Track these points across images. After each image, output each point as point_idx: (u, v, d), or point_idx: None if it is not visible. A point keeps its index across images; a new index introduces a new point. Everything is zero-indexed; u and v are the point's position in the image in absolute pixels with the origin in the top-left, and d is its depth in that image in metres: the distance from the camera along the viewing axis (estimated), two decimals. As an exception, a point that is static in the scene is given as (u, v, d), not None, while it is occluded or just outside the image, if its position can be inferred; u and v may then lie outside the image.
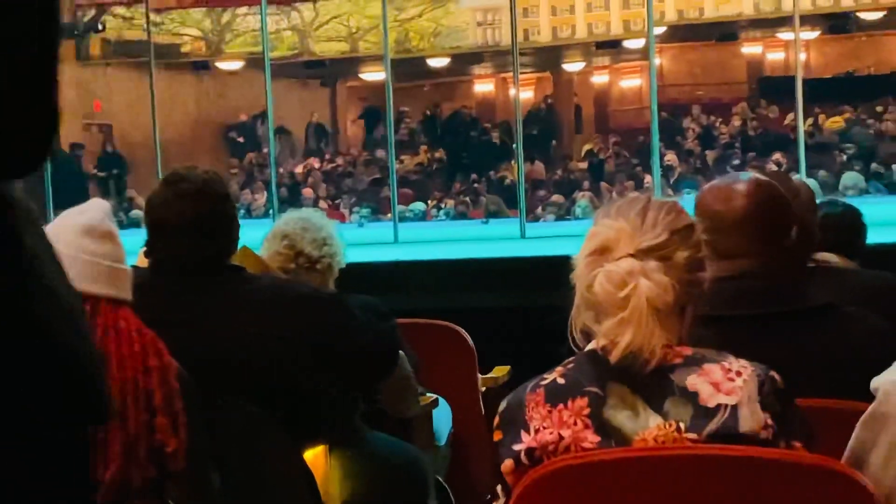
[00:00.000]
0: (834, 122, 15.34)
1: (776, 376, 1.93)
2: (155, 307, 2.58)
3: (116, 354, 2.35)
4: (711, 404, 1.89)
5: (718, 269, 2.31)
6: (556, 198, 14.33)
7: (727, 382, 1.90)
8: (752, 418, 1.87)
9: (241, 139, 16.59)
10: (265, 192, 14.73)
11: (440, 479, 3.79)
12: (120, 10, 15.78)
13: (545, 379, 1.98)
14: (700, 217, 2.40)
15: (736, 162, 14.94)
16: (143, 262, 2.99)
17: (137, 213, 13.76)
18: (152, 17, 13.11)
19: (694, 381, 1.90)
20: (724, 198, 2.49)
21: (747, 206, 2.48)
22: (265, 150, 16.34)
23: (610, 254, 1.94)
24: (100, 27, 15.85)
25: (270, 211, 12.20)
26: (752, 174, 2.58)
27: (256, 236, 3.48)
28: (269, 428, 2.79)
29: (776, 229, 2.50)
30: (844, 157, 14.49)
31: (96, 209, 2.46)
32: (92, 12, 15.82)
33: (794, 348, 2.32)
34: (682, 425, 1.89)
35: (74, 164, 14.81)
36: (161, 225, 2.88)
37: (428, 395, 3.67)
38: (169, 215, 2.86)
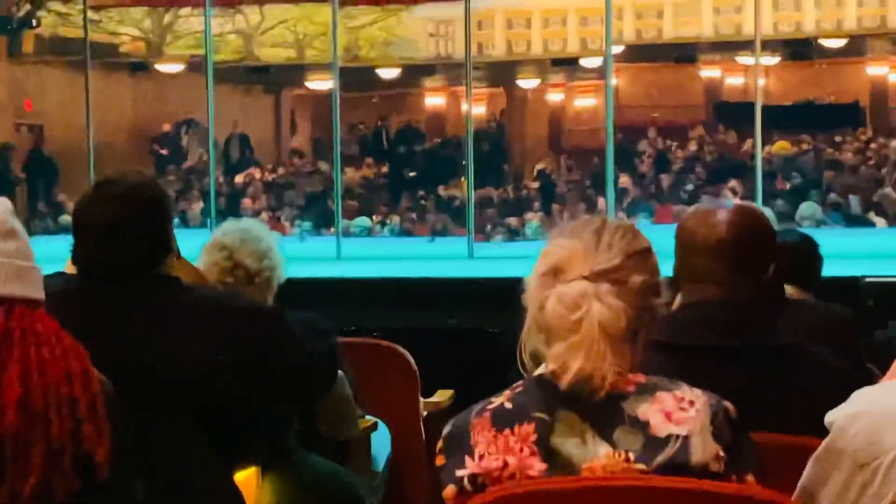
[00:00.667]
0: (781, 148, 15.40)
1: (729, 407, 1.93)
2: (79, 315, 2.45)
3: (37, 359, 2.21)
4: (662, 434, 1.88)
5: (687, 294, 2.43)
6: (508, 220, 14.34)
7: (679, 412, 1.90)
8: (703, 449, 1.87)
9: (164, 151, 16.55)
10: (202, 201, 14.61)
11: (376, 504, 3.77)
12: (56, 5, 15.63)
13: (492, 403, 1.97)
14: (678, 238, 2.50)
15: (690, 187, 15.17)
16: (72, 269, 2.90)
17: (67, 219, 13.42)
18: (90, 14, 12.90)
19: (645, 410, 1.90)
20: (706, 221, 2.50)
21: (728, 232, 2.48)
22: (187, 165, 16.28)
23: (563, 275, 1.94)
24: (34, 23, 15.72)
25: (208, 221, 12.06)
26: (738, 201, 2.55)
27: (193, 246, 3.42)
28: (199, 446, 2.64)
29: (754, 261, 2.51)
30: (788, 186, 14.55)
31: (1, 207, 2.30)
32: (27, 7, 15.71)
33: (751, 382, 2.33)
34: (631, 455, 1.88)
35: (1, 164, 14.55)
36: (84, 228, 2.81)
37: (367, 417, 3.67)
38: (92, 218, 2.79)
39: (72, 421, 2.21)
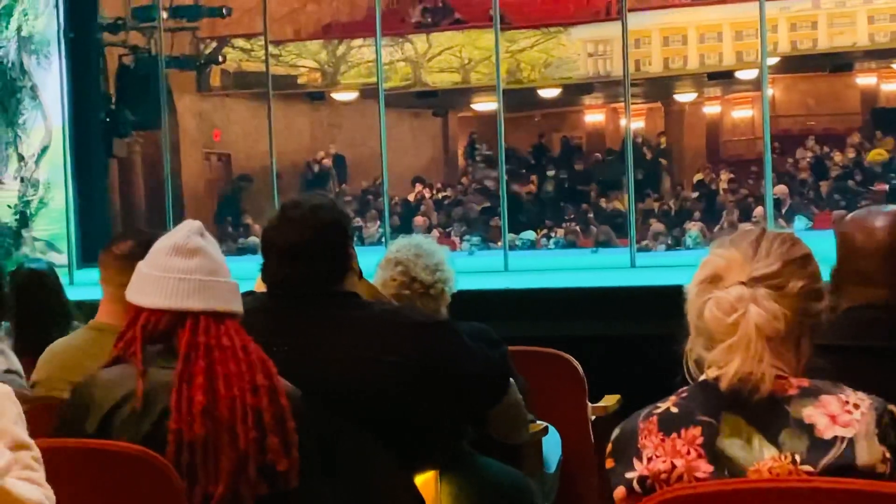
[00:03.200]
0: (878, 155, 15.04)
1: (895, 410, 1.91)
2: (267, 330, 2.64)
3: (223, 372, 2.39)
4: (828, 436, 1.86)
5: (850, 297, 2.37)
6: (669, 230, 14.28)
7: (844, 415, 1.88)
8: (869, 452, 1.85)
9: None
10: (378, 220, 14.92)
11: (548, 506, 3.79)
12: (240, 42, 16.05)
13: (658, 408, 1.98)
14: (840, 242, 2.47)
15: (848, 193, 14.72)
16: (261, 287, 3.01)
17: (253, 240, 14.13)
18: (270, 48, 13.36)
19: (811, 412, 1.88)
20: (867, 226, 2.49)
21: (890, 234, 2.47)
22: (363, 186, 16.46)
23: (721, 282, 1.94)
24: (220, 59, 16.16)
25: (383, 239, 12.40)
26: None
27: (370, 263, 3.43)
28: (380, 452, 2.81)
29: None
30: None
31: (184, 229, 2.51)
32: (213, 45, 16.14)
33: None
34: (797, 457, 1.86)
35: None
36: (271, 248, 2.90)
37: (538, 422, 3.63)
38: (278, 239, 2.88)
39: (257, 432, 2.37)
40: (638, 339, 5.78)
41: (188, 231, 2.48)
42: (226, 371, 2.37)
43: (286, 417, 2.39)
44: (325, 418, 2.64)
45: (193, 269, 2.43)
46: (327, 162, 16.69)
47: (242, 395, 2.36)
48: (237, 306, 2.49)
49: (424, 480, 2.97)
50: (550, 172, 16.84)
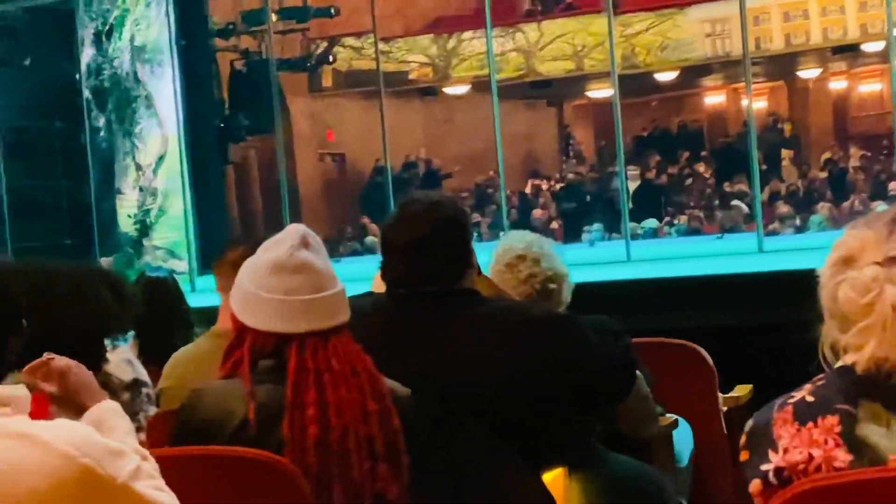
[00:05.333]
0: None
1: None
2: (387, 330, 2.63)
3: (334, 399, 2.36)
4: None
5: None
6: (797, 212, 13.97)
7: None
8: None
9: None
10: (495, 215, 14.90)
11: (683, 501, 3.71)
12: (350, 40, 16.11)
13: (793, 397, 1.93)
14: None
15: None
16: (378, 286, 3.01)
17: (371, 240, 14.14)
18: (380, 45, 13.42)
19: None
20: None
21: None
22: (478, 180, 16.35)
23: (855, 263, 1.90)
24: (331, 59, 16.22)
25: (500, 234, 12.34)
26: None
27: (487, 259, 3.47)
28: (506, 451, 2.77)
29: None
30: None
31: (287, 241, 2.45)
32: (324, 45, 16.24)
33: None
34: None
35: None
36: (390, 246, 2.90)
37: (667, 415, 3.61)
38: (397, 237, 2.88)
39: (370, 460, 2.34)
40: (769, 327, 6.00)
41: (290, 244, 2.44)
42: (337, 399, 2.36)
43: (398, 441, 2.38)
44: (446, 419, 2.62)
45: (296, 289, 2.40)
46: (438, 159, 16.66)
47: (355, 425, 2.35)
48: (344, 316, 2.46)
49: (553, 478, 2.93)
50: (671, 158, 16.62)
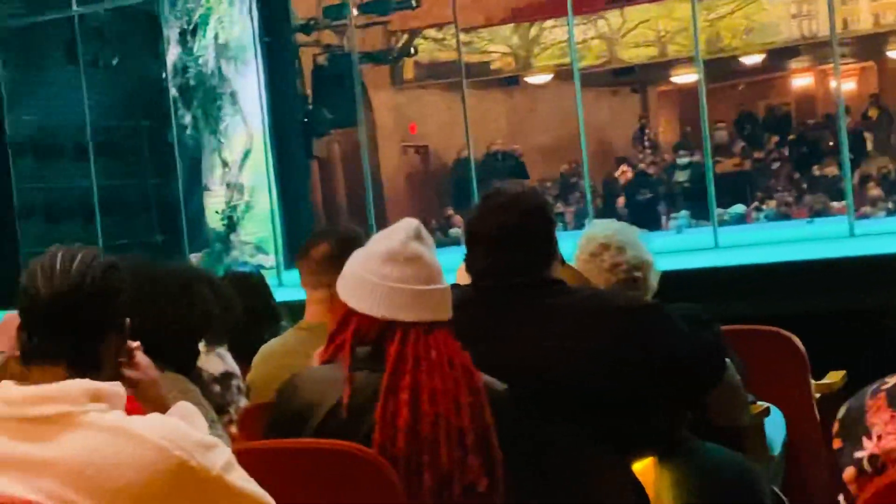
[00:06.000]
0: None
1: None
2: (473, 321, 2.60)
3: (428, 388, 2.38)
4: None
5: None
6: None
7: None
8: None
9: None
10: (579, 204, 14.84)
11: (776, 489, 3.60)
12: (431, 32, 16.15)
13: (886, 383, 1.90)
14: None
15: None
16: (463, 277, 3.02)
17: (456, 231, 14.15)
18: (462, 36, 13.42)
19: None
20: None
21: None
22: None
23: None
24: (412, 51, 16.28)
25: (585, 223, 12.29)
26: None
27: (569, 249, 3.44)
28: (595, 441, 2.75)
29: None
30: None
31: (402, 231, 2.50)
32: (405, 37, 16.29)
33: None
34: None
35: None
36: (475, 238, 2.91)
37: (758, 403, 3.54)
38: (481, 228, 2.88)
39: (460, 451, 2.36)
40: (861, 312, 5.88)
41: (405, 235, 2.49)
42: (431, 386, 2.39)
43: (490, 436, 2.39)
44: (534, 411, 2.61)
45: (407, 279, 2.45)
46: (521, 148, 16.62)
47: (446, 414, 2.37)
48: (447, 313, 2.50)
49: (643, 468, 2.91)
50: (758, 142, 16.41)
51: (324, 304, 3.30)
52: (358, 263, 2.55)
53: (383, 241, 2.52)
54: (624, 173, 16.49)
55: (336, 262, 3.17)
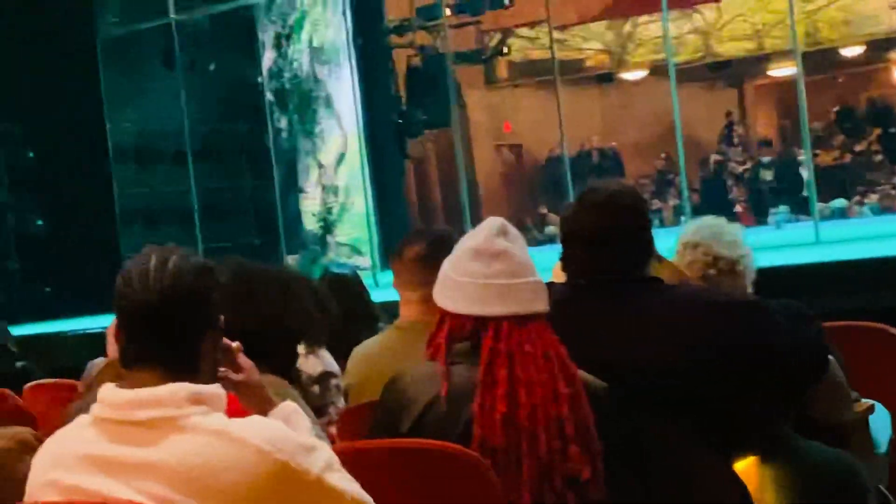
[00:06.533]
0: None
1: None
2: (570, 321, 2.59)
3: (524, 379, 2.39)
4: None
5: None
6: None
7: None
8: None
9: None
10: (676, 200, 14.75)
11: (882, 488, 3.52)
12: (524, 30, 16.12)
13: None
14: None
15: None
16: (558, 276, 3.01)
17: (551, 229, 14.09)
18: (555, 34, 13.35)
19: None
20: None
21: None
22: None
23: None
24: (505, 50, 16.25)
25: (682, 218, 12.17)
26: None
27: (669, 246, 3.44)
28: (695, 440, 2.73)
29: None
30: None
31: (485, 230, 2.52)
32: (498, 36, 16.27)
33: None
34: None
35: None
36: (571, 236, 2.90)
37: (863, 400, 3.46)
38: (577, 227, 2.88)
39: (560, 441, 2.36)
40: None
41: (489, 233, 2.52)
42: (527, 378, 2.40)
43: (589, 426, 2.39)
44: (634, 409, 2.60)
45: (494, 274, 2.47)
46: (615, 145, 16.53)
47: (544, 404, 2.38)
48: (542, 306, 2.50)
49: (745, 467, 2.88)
50: (859, 135, 16.10)
51: (417, 305, 3.32)
52: (447, 264, 2.59)
53: (469, 240, 2.56)
54: (721, 168, 16.35)
55: (428, 262, 3.23)
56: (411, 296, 3.34)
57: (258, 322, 2.66)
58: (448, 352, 2.49)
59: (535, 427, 2.36)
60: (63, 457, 2.00)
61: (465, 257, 2.51)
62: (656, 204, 15.10)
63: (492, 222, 2.56)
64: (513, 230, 2.56)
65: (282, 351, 2.83)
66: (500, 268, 2.48)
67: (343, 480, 1.99)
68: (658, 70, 14.36)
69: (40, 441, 2.14)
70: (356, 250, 13.20)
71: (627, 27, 16.43)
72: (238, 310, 2.15)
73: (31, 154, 12.82)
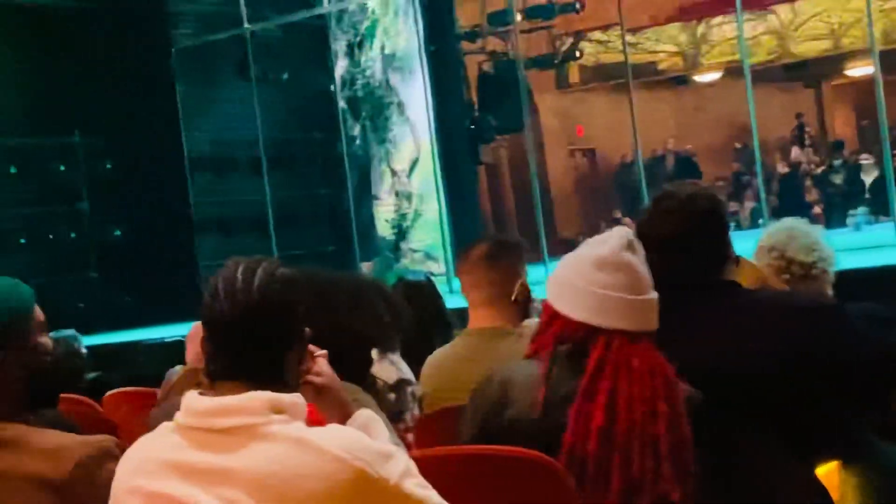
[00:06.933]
0: None
1: None
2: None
3: (626, 394, 2.37)
4: None
5: None
6: None
7: None
8: None
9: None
10: (751, 202, 14.61)
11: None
12: (596, 34, 16.12)
13: None
14: None
15: None
16: None
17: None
18: (628, 37, 13.28)
19: None
20: None
21: None
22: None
23: None
24: (577, 54, 16.21)
25: (760, 221, 12.05)
26: None
27: (747, 248, 3.41)
28: (776, 445, 2.70)
29: None
30: None
31: (614, 240, 2.49)
32: (570, 40, 16.24)
33: None
34: None
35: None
36: (645, 242, 2.78)
37: None
38: (652, 232, 2.83)
39: (653, 460, 2.33)
40: None
41: (617, 244, 2.48)
42: (629, 394, 2.37)
43: (686, 446, 2.36)
44: (719, 414, 2.56)
45: (616, 286, 2.45)
46: (690, 148, 16.40)
47: (641, 421, 2.35)
48: (653, 324, 2.49)
49: (826, 472, 2.85)
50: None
51: (483, 308, 3.33)
52: (567, 266, 2.56)
53: (595, 247, 2.52)
54: (796, 170, 16.17)
55: (493, 261, 3.27)
56: (476, 297, 3.35)
57: (330, 329, 2.61)
58: (551, 356, 2.47)
59: (629, 443, 2.34)
60: (146, 463, 2.02)
61: (589, 264, 2.48)
62: (733, 206, 14.96)
63: (620, 234, 2.53)
64: (638, 244, 2.55)
65: (355, 357, 2.81)
66: (623, 281, 2.46)
67: (421, 487, 1.99)
68: (732, 71, 14.25)
69: (122, 449, 2.15)
70: (429, 256, 13.21)
71: (701, 28, 16.35)
72: (310, 318, 2.14)
73: (109, 165, 13.02)
